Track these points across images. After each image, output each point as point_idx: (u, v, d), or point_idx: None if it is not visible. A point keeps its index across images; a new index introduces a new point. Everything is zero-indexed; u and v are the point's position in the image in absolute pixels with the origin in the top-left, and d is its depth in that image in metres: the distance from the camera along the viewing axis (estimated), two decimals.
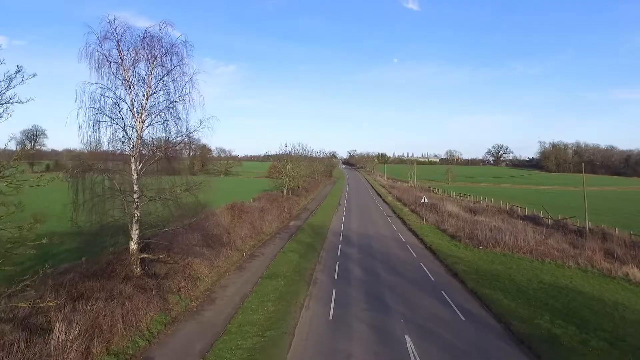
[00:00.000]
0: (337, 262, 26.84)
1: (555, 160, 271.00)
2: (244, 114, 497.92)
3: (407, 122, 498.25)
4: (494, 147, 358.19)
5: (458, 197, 76.31)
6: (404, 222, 45.98)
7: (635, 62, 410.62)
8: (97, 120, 17.19)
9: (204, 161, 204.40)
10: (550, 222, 45.16)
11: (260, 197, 48.57)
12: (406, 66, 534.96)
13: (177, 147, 19.48)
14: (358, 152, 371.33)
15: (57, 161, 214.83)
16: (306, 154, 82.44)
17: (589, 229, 37.07)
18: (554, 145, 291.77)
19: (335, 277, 23.36)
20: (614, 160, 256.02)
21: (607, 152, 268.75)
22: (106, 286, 14.47)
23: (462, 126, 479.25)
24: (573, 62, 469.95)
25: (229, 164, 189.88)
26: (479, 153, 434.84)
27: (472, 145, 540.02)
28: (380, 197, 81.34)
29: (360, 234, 38.19)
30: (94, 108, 17.16)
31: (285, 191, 57.76)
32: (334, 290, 20.69)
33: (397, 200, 70.55)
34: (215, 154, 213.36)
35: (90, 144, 17.10)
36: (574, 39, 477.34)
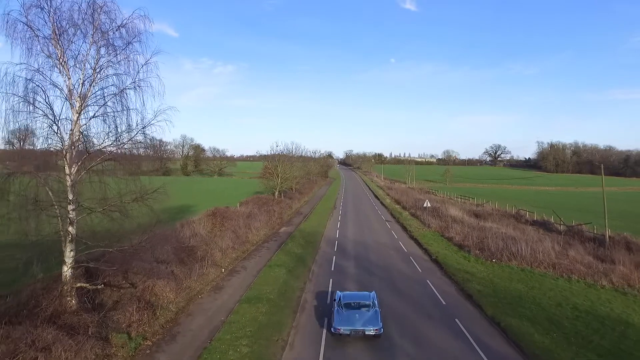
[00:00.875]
0: (331, 280, 23.15)
1: (553, 160, 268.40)
2: (241, 114, 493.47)
3: (404, 122, 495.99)
4: (492, 147, 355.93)
5: (460, 199, 72.81)
6: (404, 229, 42.32)
7: (632, 62, 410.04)
8: (20, 111, 13.41)
9: (197, 161, 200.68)
10: (562, 228, 41.71)
11: (248, 201, 44.80)
12: (404, 66, 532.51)
13: (127, 145, 15.59)
14: (355, 152, 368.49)
15: (48, 162, 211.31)
16: (300, 154, 78.71)
17: (608, 237, 33.60)
18: (552, 146, 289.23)
19: (328, 301, 19.65)
20: (612, 160, 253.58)
21: (606, 152, 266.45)
22: (13, 334, 10.70)
23: (460, 126, 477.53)
24: (570, 63, 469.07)
25: (222, 164, 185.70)
26: (475, 153, 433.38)
27: (469, 145, 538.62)
28: (378, 199, 77.74)
29: (357, 243, 34.53)
30: (16, 95, 13.38)
31: (276, 194, 53.97)
32: (326, 320, 16.98)
33: (395, 203, 66.93)
34: (209, 154, 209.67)
35: (10, 141, 13.31)
36: (572, 40, 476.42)
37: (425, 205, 41.18)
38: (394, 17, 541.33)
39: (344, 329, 14.91)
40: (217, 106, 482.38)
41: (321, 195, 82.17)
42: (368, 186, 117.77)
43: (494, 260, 26.69)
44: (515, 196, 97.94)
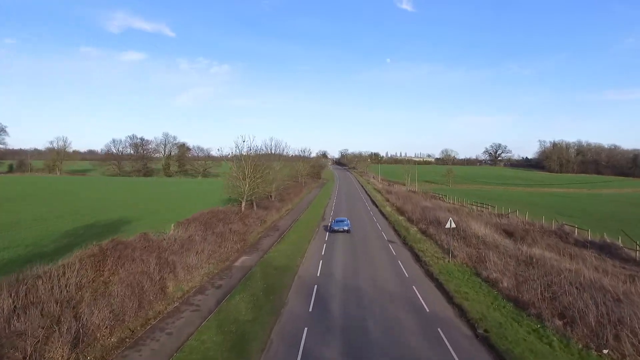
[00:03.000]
0: None
1: (557, 160, 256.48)
2: (239, 114, 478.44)
3: (401, 122, 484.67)
4: (492, 147, 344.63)
5: (475, 207, 60.43)
6: (416, 257, 29.74)
7: (633, 61, 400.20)
8: None
9: (182, 161, 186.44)
10: (639, 255, 29.44)
11: (196, 218, 31.90)
12: (400, 66, 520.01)
13: None
14: (350, 151, 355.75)
15: (22, 161, 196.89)
16: (281, 153, 66.01)
17: None
18: (554, 145, 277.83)
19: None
20: (618, 159, 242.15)
21: (611, 152, 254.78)
22: None
23: (457, 126, 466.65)
24: (569, 62, 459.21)
25: (207, 164, 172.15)
26: (473, 152, 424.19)
27: (467, 144, 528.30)
28: (376, 205, 65.20)
29: (347, 289, 21.96)
30: None
31: (243, 204, 41.15)
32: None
33: (398, 213, 54.38)
34: (195, 154, 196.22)
35: None
36: (569, 40, 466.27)
37: (448, 225, 28.42)
38: (391, 18, 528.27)
39: (336, 228, 37.97)
40: (214, 106, 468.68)
41: (309, 201, 69.48)
42: (364, 188, 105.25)
43: (605, 352, 14.07)
44: (531, 200, 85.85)
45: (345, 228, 38.78)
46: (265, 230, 39.06)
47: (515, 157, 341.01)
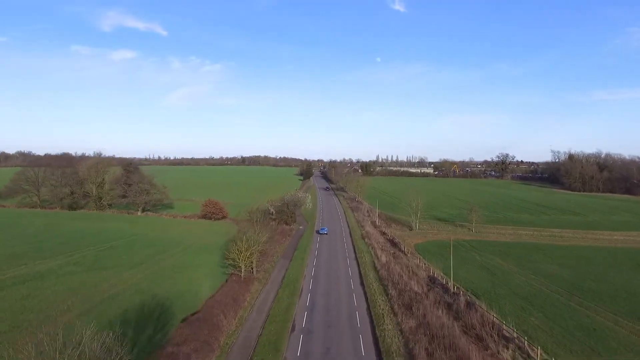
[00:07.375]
0: None
1: (579, 176, 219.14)
2: (228, 115, 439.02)
3: (390, 123, 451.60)
4: (499, 157, 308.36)
5: None
6: None
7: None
8: None
9: (127, 186, 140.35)
10: None
11: None
12: (391, 67, 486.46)
13: None
14: (339, 160, 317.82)
15: None
16: None
17: None
18: (571, 156, 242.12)
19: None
20: None
21: (634, 164, 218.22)
22: None
23: (449, 126, 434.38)
24: (567, 60, 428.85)
25: (150, 192, 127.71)
26: (467, 155, 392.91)
27: (461, 146, 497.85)
28: None
29: None
30: None
31: None
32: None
33: None
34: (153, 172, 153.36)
35: None
36: (563, 39, 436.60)
37: None
38: (384, 18, 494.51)
39: (321, 232, 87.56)
40: (206, 106, 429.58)
41: None
42: (358, 267, 65.64)
43: None
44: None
45: (325, 233, 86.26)
46: None
47: (514, 159, 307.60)
